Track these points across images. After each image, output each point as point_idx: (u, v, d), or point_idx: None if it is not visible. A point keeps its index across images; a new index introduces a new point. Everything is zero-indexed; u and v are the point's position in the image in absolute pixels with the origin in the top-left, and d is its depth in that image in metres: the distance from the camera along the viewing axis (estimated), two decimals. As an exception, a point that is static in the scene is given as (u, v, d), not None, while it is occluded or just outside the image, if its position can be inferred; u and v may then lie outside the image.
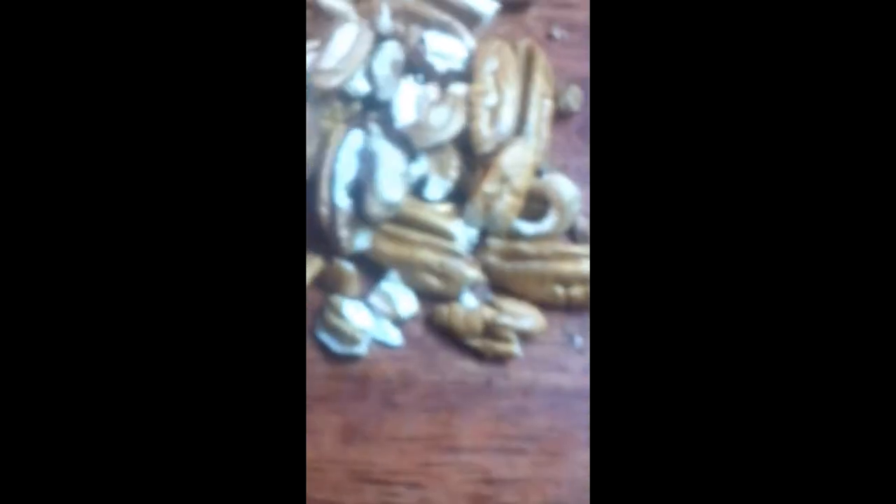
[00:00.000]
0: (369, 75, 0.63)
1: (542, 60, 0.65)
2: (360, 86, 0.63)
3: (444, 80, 0.64)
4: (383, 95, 0.63)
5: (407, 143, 0.61)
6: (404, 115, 0.61)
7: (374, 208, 0.59)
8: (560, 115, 0.66)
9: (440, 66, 0.64)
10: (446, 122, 0.61)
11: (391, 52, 0.64)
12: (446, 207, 0.62)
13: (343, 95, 0.63)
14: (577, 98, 0.66)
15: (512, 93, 0.63)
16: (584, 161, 0.64)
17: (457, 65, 0.64)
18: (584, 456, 0.57)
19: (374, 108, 0.63)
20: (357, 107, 0.64)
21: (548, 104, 0.64)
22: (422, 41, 0.64)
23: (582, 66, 0.66)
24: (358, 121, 0.63)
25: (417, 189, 0.61)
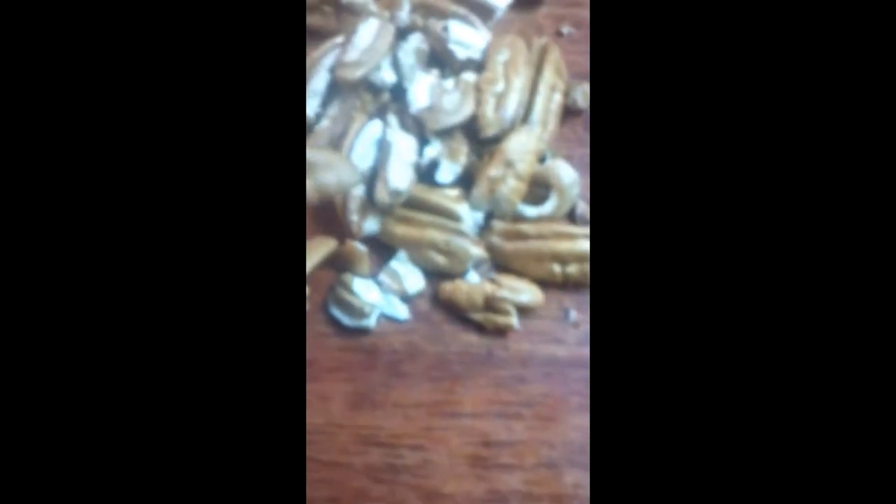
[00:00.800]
0: (395, 66, 0.68)
1: (554, 56, 0.69)
2: (388, 76, 0.67)
3: (462, 68, 0.68)
4: (408, 85, 0.67)
5: (420, 128, 0.65)
6: (419, 100, 0.65)
7: (383, 195, 0.63)
8: (569, 110, 0.70)
9: (461, 54, 0.68)
10: (457, 107, 0.65)
11: (416, 42, 0.68)
12: (454, 191, 0.65)
13: (371, 86, 0.67)
14: (586, 95, 0.69)
15: (519, 82, 0.66)
16: (588, 151, 0.68)
17: (475, 54, 0.68)
18: (576, 420, 0.60)
19: (400, 99, 0.67)
20: (386, 97, 0.68)
21: (557, 98, 0.68)
22: (445, 29, 0.68)
23: (587, 61, 0.70)
24: (382, 112, 0.67)
25: (428, 173, 0.65)
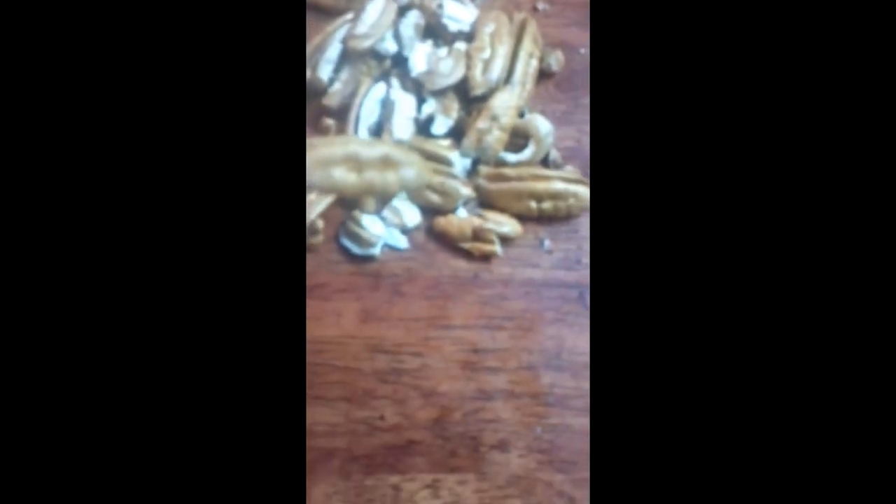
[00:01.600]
0: (397, 37, 0.76)
1: (532, 28, 0.77)
2: (390, 46, 0.75)
3: (454, 38, 0.76)
4: (408, 53, 0.75)
5: (419, 88, 0.74)
6: (418, 66, 0.74)
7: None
8: (543, 73, 0.78)
9: (453, 27, 0.76)
10: (450, 71, 0.74)
11: (414, 17, 0.77)
12: (447, 141, 0.74)
13: (377, 55, 0.76)
14: (559, 61, 0.78)
15: (503, 50, 0.75)
16: (559, 107, 0.77)
17: (465, 27, 0.77)
18: (550, 331, 0.68)
19: (401, 65, 0.75)
20: (389, 63, 0.76)
21: (534, 63, 0.77)
22: (440, 6, 0.76)
23: (559, 32, 0.79)
24: (386, 76, 0.76)
25: (426, 126, 0.74)
